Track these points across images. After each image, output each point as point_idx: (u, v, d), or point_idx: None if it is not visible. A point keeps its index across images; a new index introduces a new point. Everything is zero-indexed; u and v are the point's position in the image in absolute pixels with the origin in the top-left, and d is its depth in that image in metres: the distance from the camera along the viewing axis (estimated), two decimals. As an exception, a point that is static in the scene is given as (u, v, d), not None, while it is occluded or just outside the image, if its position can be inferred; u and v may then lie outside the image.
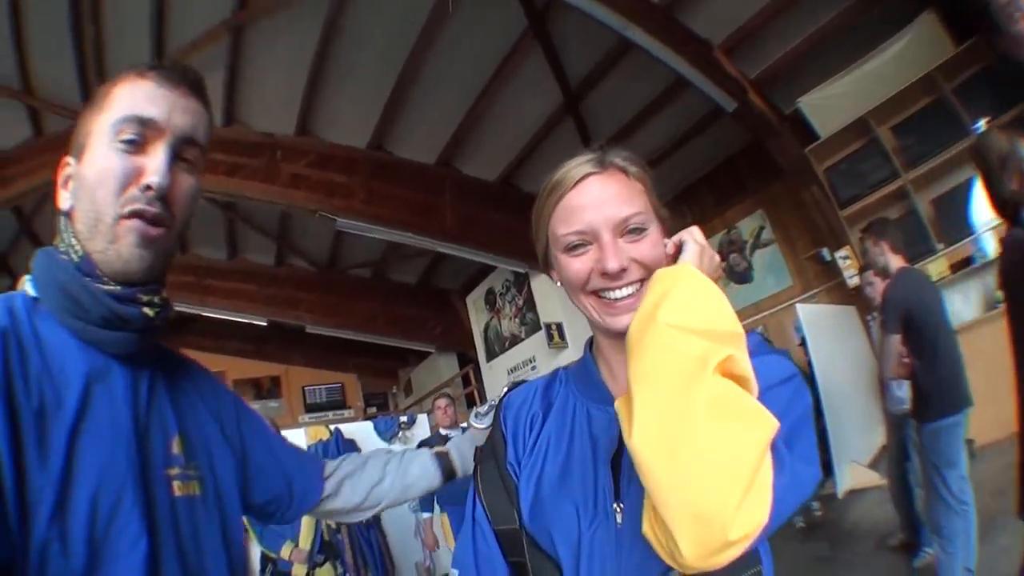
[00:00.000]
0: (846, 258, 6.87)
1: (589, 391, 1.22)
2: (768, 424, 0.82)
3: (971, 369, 3.93)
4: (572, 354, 9.86)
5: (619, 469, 1.08)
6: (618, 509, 1.06)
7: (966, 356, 3.94)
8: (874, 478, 5.82)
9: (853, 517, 5.58)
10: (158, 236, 1.06)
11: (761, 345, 1.06)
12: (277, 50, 6.89)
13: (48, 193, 8.07)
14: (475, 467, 1.31)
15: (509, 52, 7.37)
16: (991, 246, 5.93)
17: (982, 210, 6.00)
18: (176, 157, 1.09)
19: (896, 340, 3.85)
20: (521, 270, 10.87)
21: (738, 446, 0.78)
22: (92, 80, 6.80)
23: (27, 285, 1.08)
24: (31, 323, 0.99)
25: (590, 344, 1.31)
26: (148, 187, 1.03)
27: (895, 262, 4.03)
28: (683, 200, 9.56)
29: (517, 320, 11.68)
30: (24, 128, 7.34)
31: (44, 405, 0.89)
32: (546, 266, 1.29)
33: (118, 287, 1.03)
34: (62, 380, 0.94)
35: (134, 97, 1.06)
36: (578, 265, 1.13)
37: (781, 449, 0.85)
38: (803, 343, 6.26)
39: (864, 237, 4.27)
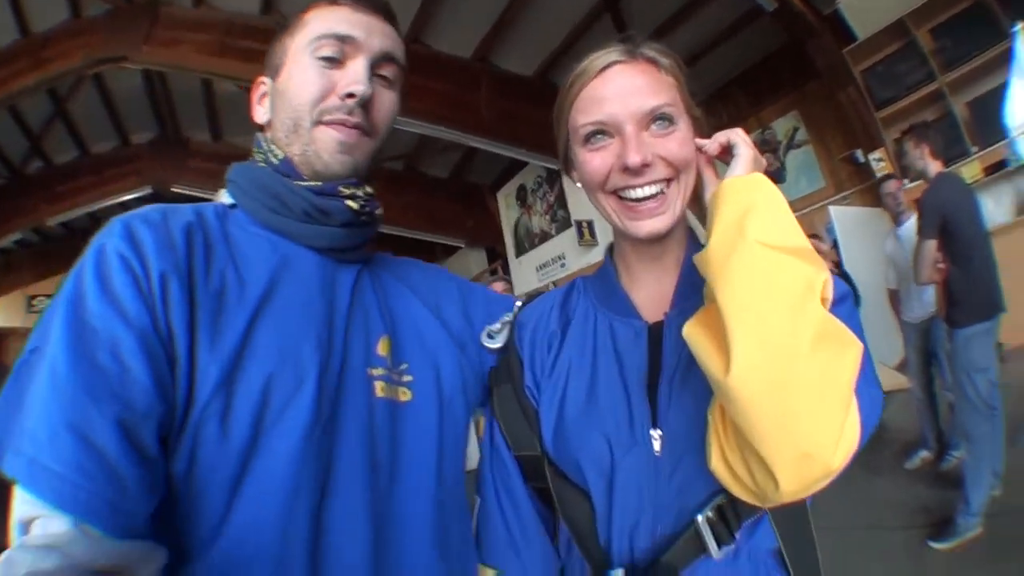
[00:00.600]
0: (880, 160, 6.84)
1: (611, 303, 1.16)
2: (857, 347, 0.80)
3: (1001, 273, 3.96)
4: (602, 252, 9.97)
5: (655, 393, 1.03)
6: (656, 436, 1.01)
7: (997, 260, 3.96)
8: (902, 381, 5.86)
9: (882, 418, 5.62)
10: (358, 142, 1.08)
11: None
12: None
13: (83, 78, 8.24)
14: (490, 389, 1.22)
15: (550, -59, 7.14)
16: None
17: (1016, 113, 5.96)
18: (374, 74, 1.11)
19: (932, 245, 3.85)
20: (554, 167, 10.71)
21: (839, 375, 0.77)
22: None
23: (222, 196, 1.12)
24: (221, 225, 1.02)
25: (611, 250, 1.24)
26: (350, 95, 1.05)
27: (934, 167, 4.02)
28: (718, 99, 9.38)
29: (548, 217, 11.77)
30: (61, 9, 7.34)
31: (225, 288, 0.91)
32: (566, 165, 1.20)
33: (318, 183, 1.05)
34: (247, 269, 0.96)
35: (329, 19, 1.08)
36: (597, 161, 1.06)
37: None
38: (835, 244, 6.35)
39: (905, 139, 4.21)
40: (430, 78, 8.72)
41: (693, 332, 0.87)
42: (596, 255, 10.25)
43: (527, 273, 12.41)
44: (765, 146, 8.68)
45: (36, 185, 10.52)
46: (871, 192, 7.28)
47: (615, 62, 1.06)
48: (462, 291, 1.33)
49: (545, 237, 11.86)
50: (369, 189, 1.11)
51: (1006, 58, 5.99)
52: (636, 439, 1.01)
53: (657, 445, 1.00)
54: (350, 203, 1.06)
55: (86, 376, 0.75)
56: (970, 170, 6.11)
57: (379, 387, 1.03)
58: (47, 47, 7.41)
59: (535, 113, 9.41)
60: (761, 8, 7.14)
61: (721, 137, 1.02)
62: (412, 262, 1.35)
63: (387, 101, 1.14)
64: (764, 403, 0.75)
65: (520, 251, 12.67)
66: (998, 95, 6.15)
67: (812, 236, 6.91)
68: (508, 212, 12.97)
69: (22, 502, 0.71)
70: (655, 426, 1.01)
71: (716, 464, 0.86)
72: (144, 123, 9.96)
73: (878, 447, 5.31)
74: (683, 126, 1.05)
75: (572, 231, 10.66)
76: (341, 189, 1.05)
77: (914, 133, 4.15)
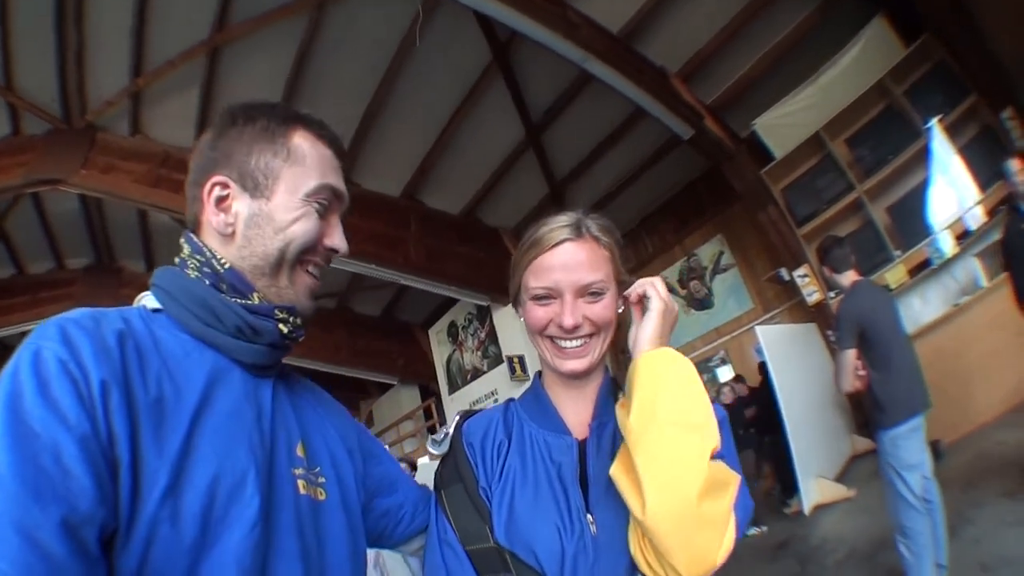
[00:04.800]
0: (804, 276, 7.03)
1: (545, 421, 1.38)
2: (735, 480, 1.12)
3: (932, 368, 3.96)
4: None
5: (586, 487, 1.26)
6: (591, 520, 1.22)
7: (928, 356, 4.00)
8: (841, 491, 5.94)
9: (821, 532, 5.61)
10: (318, 288, 1.22)
11: None
12: (250, 75, 6.97)
13: (21, 196, 8.09)
14: (438, 491, 1.37)
15: (473, 85, 7.58)
16: (948, 245, 6.07)
17: (937, 210, 6.21)
18: None
19: (851, 354, 3.89)
20: (483, 303, 10.93)
21: (721, 510, 1.06)
22: (71, 87, 6.85)
23: (146, 299, 1.12)
24: (149, 330, 1.01)
25: (539, 376, 1.48)
26: (334, 251, 1.19)
27: (846, 279, 4.13)
28: (643, 229, 9.74)
29: (479, 353, 11.78)
30: (3, 125, 7.30)
31: (163, 397, 0.93)
32: (515, 303, 1.44)
33: (255, 302, 1.09)
34: (182, 378, 0.98)
35: (324, 166, 1.17)
36: (541, 314, 1.31)
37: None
38: (763, 364, 6.43)
39: (816, 259, 4.34)
40: (360, 217, 8.82)
41: (617, 474, 1.14)
42: (529, 389, 10.10)
43: (460, 409, 12.11)
44: (691, 273, 8.92)
45: (-28, 296, 10.00)
46: (799, 308, 7.51)
47: (565, 240, 1.31)
48: (358, 428, 1.44)
49: (477, 373, 11.84)
50: (299, 320, 1.16)
51: (922, 157, 6.27)
52: (575, 523, 1.22)
53: (593, 528, 1.22)
54: (281, 327, 1.12)
55: (29, 478, 0.75)
56: (895, 274, 6.30)
57: (301, 485, 1.09)
58: (-16, 159, 7.28)
59: (463, 250, 9.67)
60: (678, 136, 7.45)
61: (638, 288, 1.30)
62: (319, 388, 1.44)
63: None
64: (669, 534, 1.04)
65: (453, 388, 12.56)
66: (916, 196, 6.42)
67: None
68: (440, 349, 12.95)
69: None
70: (588, 512, 1.24)
71: (635, 552, 1.13)
72: (80, 248, 9.81)
73: (820, 557, 5.15)
74: (609, 295, 1.32)
75: (504, 367, 10.65)
76: (276, 312, 1.11)
77: (818, 254, 4.27)
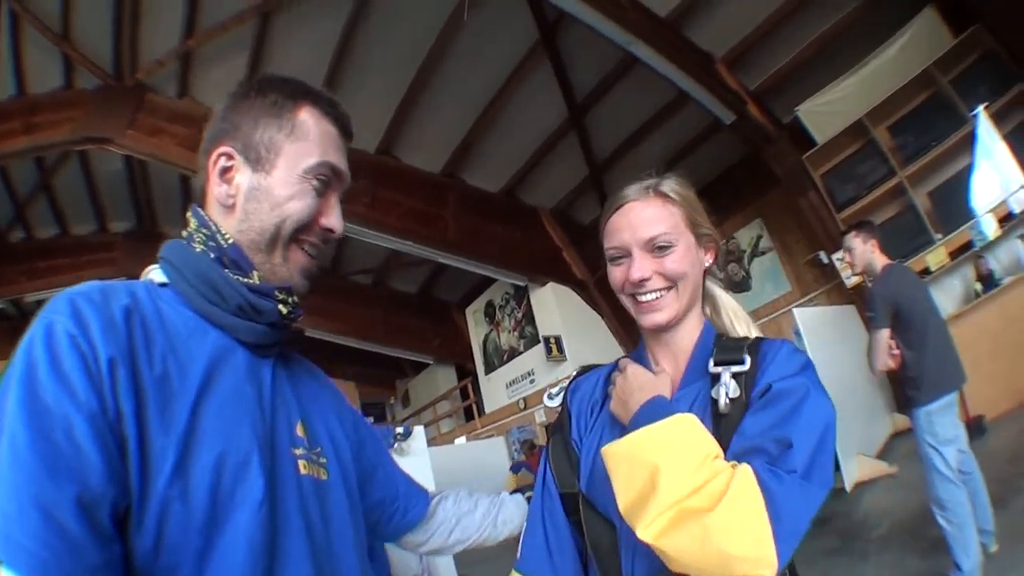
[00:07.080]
0: (843, 259, 6.91)
1: None
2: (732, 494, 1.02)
3: (976, 346, 4.02)
4: (570, 367, 9.84)
5: None
6: None
7: (970, 335, 4.06)
8: (882, 467, 6.00)
9: (863, 508, 5.62)
10: (315, 268, 1.21)
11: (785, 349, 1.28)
12: (298, 43, 7.05)
13: (69, 153, 8.18)
14: (548, 438, 1.53)
15: (519, 64, 7.64)
16: (991, 228, 6.09)
17: (980, 194, 6.22)
18: None
19: (885, 334, 4.00)
20: (521, 283, 11.02)
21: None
22: (124, 43, 6.96)
23: (153, 273, 1.13)
24: (155, 305, 1.02)
25: (641, 340, 1.52)
26: (330, 231, 1.18)
27: (880, 261, 4.22)
28: (681, 212, 9.66)
29: (516, 333, 11.86)
30: (56, 76, 7.38)
31: (168, 375, 0.94)
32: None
33: (255, 281, 1.10)
34: (186, 356, 0.99)
35: (326, 143, 1.18)
36: (617, 273, 1.38)
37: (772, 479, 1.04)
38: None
39: (850, 237, 4.33)
40: (399, 192, 8.89)
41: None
42: (565, 370, 10.22)
43: (497, 389, 12.39)
44: (729, 256, 8.93)
45: (19, 256, 10.20)
46: (837, 291, 7.54)
47: (629, 201, 1.38)
48: (353, 413, 1.47)
49: (514, 353, 11.93)
50: (296, 299, 1.17)
51: (966, 143, 6.26)
52: None
53: None
54: (281, 307, 1.12)
55: (45, 454, 0.77)
56: (936, 256, 6.33)
57: (302, 465, 1.10)
58: (36, 112, 7.42)
59: (501, 229, 9.71)
60: (720, 121, 7.47)
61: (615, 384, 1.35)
62: (318, 368, 1.45)
63: None
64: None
65: (490, 368, 12.67)
66: (959, 181, 6.41)
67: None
68: (477, 329, 13.04)
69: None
70: None
71: None
72: (123, 211, 9.91)
73: (863, 533, 5.16)
74: (681, 247, 1.34)
75: (540, 347, 10.69)
76: (276, 292, 1.12)
77: (863, 229, 4.32)
